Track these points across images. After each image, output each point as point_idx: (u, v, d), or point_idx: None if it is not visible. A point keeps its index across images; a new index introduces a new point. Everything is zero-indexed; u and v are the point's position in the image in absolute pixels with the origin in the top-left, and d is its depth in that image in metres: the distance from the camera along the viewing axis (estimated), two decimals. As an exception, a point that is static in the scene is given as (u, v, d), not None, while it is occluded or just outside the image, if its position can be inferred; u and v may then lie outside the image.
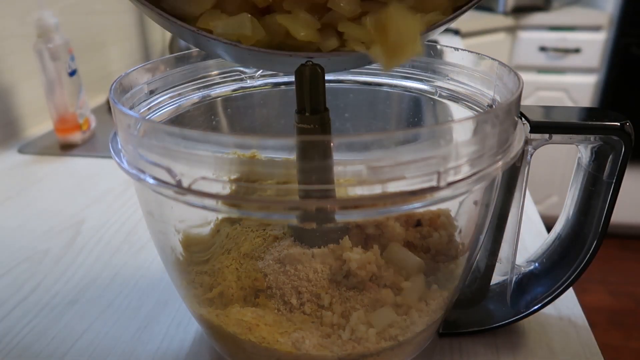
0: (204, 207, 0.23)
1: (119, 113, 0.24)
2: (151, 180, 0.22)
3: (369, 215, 0.23)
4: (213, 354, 0.33)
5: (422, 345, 0.31)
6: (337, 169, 0.20)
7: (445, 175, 0.21)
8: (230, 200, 0.21)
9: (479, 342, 0.33)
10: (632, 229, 1.72)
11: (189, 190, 0.21)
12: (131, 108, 0.28)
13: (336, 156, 0.21)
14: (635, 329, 1.36)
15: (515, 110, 0.25)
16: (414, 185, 0.21)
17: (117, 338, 0.34)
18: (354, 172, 0.20)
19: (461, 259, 0.28)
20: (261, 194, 0.21)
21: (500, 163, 0.23)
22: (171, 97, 0.32)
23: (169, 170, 0.22)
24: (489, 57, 0.31)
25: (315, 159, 0.21)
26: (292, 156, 0.22)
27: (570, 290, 0.38)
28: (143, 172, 0.23)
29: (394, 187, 0.20)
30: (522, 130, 0.27)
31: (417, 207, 0.22)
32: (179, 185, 0.22)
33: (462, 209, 0.26)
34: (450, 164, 0.21)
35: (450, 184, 0.21)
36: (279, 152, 0.21)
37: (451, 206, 0.26)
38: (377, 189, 0.20)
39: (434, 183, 0.21)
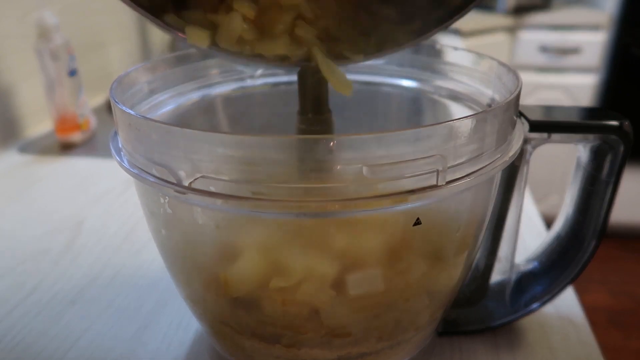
0: (204, 206, 0.23)
1: (119, 112, 0.24)
2: (152, 179, 0.23)
3: (369, 213, 0.23)
4: (213, 354, 0.33)
5: (421, 344, 0.31)
6: (337, 168, 0.20)
7: (444, 173, 0.21)
8: (230, 199, 0.21)
9: (478, 342, 0.33)
10: (632, 229, 1.72)
11: (189, 189, 0.21)
12: (131, 107, 0.28)
13: (336, 155, 0.21)
14: (635, 329, 1.36)
15: (514, 109, 0.25)
16: (414, 183, 0.21)
17: (117, 338, 0.34)
18: (354, 171, 0.20)
19: (460, 257, 0.28)
20: (262, 193, 0.21)
21: (499, 162, 0.23)
22: (171, 96, 0.32)
23: (169, 169, 0.22)
24: (488, 56, 0.31)
25: (315, 158, 0.21)
26: (292, 155, 0.22)
27: (570, 290, 0.38)
28: (143, 170, 0.23)
29: (393, 185, 0.20)
30: (522, 129, 0.27)
31: (416, 205, 0.23)
32: (179, 184, 0.22)
33: (461, 207, 0.26)
34: (450, 163, 0.21)
35: (449, 182, 0.21)
36: (279, 151, 0.21)
37: (450, 205, 0.26)
38: (377, 188, 0.20)
39: (433, 182, 0.21)
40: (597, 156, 0.29)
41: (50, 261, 0.43)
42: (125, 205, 0.53)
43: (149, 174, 0.23)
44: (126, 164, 0.24)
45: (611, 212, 0.29)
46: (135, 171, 0.23)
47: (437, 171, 0.21)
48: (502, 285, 0.34)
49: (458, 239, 0.27)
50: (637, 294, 1.49)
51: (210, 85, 0.35)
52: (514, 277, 0.34)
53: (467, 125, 0.22)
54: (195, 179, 0.21)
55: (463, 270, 0.29)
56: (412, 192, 0.21)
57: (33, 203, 0.54)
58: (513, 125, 0.25)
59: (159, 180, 0.22)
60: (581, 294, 0.38)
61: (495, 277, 0.34)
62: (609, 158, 0.28)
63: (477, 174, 0.22)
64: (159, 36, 1.12)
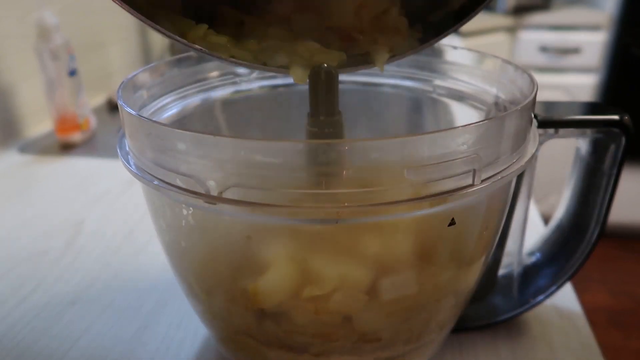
0: (238, 216, 0.22)
1: (136, 121, 0.23)
2: (176, 190, 0.22)
3: (409, 215, 0.22)
4: (213, 353, 0.33)
5: (441, 344, 0.31)
6: (375, 172, 0.20)
7: (480, 173, 0.21)
8: (265, 207, 0.20)
9: (479, 340, 0.33)
10: (632, 229, 1.72)
11: (223, 199, 0.20)
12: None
13: (375, 158, 0.20)
14: (635, 329, 1.36)
15: (534, 105, 0.26)
16: (450, 184, 0.21)
17: (117, 338, 0.34)
18: (393, 174, 0.20)
19: (484, 254, 0.27)
20: (299, 200, 0.20)
21: (527, 156, 0.24)
22: (173, 100, 0.32)
23: (197, 179, 0.21)
24: (491, 54, 0.31)
25: (354, 163, 0.20)
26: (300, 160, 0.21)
27: (571, 290, 0.38)
28: (164, 182, 0.22)
29: (430, 187, 0.20)
30: (535, 125, 0.27)
31: (450, 206, 0.22)
32: (209, 195, 0.21)
33: (489, 205, 0.26)
34: (484, 161, 0.21)
35: (484, 181, 0.21)
36: (292, 156, 0.20)
37: (481, 203, 0.26)
38: (414, 190, 0.20)
39: (468, 181, 0.21)
40: (598, 149, 0.30)
41: (50, 261, 0.43)
42: (125, 205, 0.53)
43: (171, 185, 0.22)
44: (147, 178, 0.23)
45: (613, 202, 0.30)
46: (157, 183, 0.22)
47: (474, 170, 0.21)
48: (508, 278, 0.34)
49: (484, 237, 0.27)
50: (637, 294, 1.49)
51: (210, 89, 0.34)
52: (519, 270, 0.34)
53: (501, 123, 0.22)
54: (227, 189, 0.20)
55: (484, 266, 0.29)
56: (450, 192, 0.20)
57: (33, 203, 0.54)
58: (531, 121, 0.26)
59: (183, 192, 0.21)
60: (581, 293, 0.38)
61: (500, 271, 0.34)
62: (611, 150, 0.29)
63: (509, 170, 0.23)
64: (158, 36, 1.12)
